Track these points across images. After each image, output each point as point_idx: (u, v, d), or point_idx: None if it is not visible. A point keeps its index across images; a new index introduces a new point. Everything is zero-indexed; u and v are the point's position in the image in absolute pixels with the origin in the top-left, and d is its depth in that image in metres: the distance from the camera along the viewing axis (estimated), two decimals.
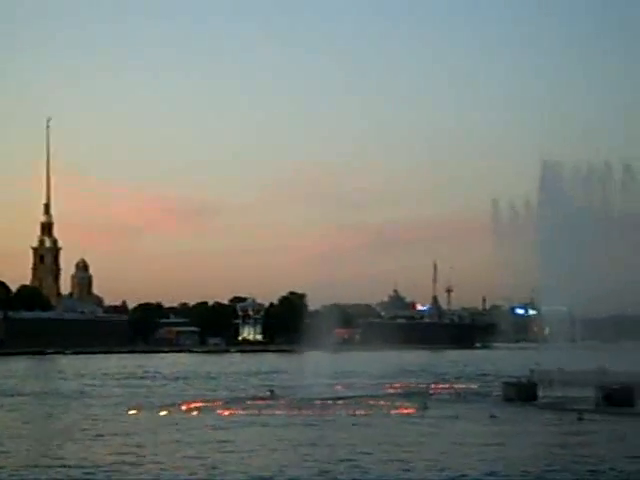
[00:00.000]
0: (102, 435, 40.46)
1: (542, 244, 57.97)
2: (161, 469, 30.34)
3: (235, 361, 66.88)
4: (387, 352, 62.96)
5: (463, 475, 28.65)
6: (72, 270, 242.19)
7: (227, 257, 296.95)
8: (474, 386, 61.63)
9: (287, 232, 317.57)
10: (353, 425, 43.42)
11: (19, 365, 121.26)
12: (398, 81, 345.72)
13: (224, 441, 37.42)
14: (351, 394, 55.85)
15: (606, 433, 40.40)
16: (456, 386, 61.66)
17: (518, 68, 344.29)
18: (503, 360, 62.44)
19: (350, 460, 31.80)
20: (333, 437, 39.35)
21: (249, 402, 54.58)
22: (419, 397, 55.22)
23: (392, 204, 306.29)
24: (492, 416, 45.90)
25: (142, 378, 74.18)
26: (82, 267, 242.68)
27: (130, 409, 51.26)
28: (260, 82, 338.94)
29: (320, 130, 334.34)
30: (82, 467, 30.99)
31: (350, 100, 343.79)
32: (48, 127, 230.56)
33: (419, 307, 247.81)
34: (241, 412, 49.70)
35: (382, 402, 52.85)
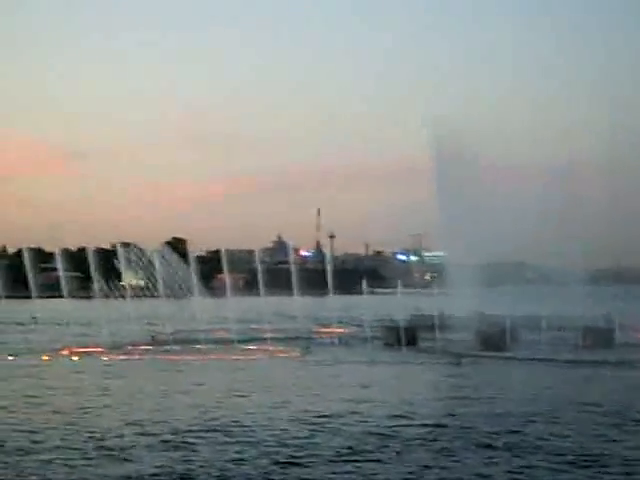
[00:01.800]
0: None
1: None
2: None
3: (118, 307, 65.97)
4: (270, 298, 62.98)
5: (328, 415, 29.03)
6: None
7: (108, 203, 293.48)
8: (356, 331, 62.23)
9: (172, 178, 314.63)
10: (235, 369, 43.68)
11: None
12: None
13: (104, 388, 37.22)
14: (233, 338, 56.02)
15: (479, 376, 41.50)
16: (338, 331, 62.24)
17: None
18: (385, 306, 63.01)
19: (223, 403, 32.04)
20: (213, 381, 39.52)
21: (130, 347, 54.23)
22: (301, 341, 55.70)
23: (276, 151, 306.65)
24: (371, 360, 46.61)
25: (21, 324, 72.91)
26: None
27: (10, 354, 50.48)
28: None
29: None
30: None
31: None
32: None
33: (303, 253, 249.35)
34: (122, 357, 49.54)
35: (264, 347, 53.16)
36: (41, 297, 61.65)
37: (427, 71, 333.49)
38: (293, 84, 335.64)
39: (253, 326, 63.82)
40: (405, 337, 53.66)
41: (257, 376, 41.05)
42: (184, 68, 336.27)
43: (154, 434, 25.90)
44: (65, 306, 63.13)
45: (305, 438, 25.33)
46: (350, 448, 23.84)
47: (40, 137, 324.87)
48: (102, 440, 25.03)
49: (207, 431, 26.42)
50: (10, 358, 49.06)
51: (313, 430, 26.52)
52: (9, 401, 32.95)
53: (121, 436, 25.63)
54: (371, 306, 63.60)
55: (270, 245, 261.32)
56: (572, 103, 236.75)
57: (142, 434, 25.98)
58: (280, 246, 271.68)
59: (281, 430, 26.50)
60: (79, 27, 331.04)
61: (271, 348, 52.48)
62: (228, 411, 30.20)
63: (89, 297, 65.13)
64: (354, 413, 29.60)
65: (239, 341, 55.61)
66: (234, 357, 48.87)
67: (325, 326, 64.35)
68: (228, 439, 25.29)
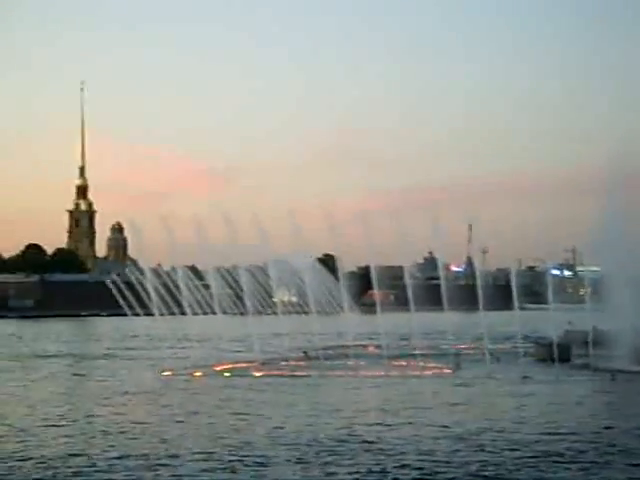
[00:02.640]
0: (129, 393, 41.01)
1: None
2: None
3: (269, 323, 66.79)
4: (420, 313, 62.76)
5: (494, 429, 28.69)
6: (107, 233, 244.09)
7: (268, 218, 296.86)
8: (508, 347, 61.41)
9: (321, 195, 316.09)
10: (385, 385, 43.72)
11: (56, 327, 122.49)
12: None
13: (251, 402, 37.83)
14: (384, 353, 56.11)
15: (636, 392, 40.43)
16: (490, 347, 61.46)
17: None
18: (537, 321, 62.00)
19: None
20: (363, 396, 39.65)
21: (283, 363, 54.87)
22: (452, 357, 55.25)
23: (427, 167, 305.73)
24: (525, 377, 45.92)
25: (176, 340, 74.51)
26: (117, 230, 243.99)
27: (163, 370, 51.66)
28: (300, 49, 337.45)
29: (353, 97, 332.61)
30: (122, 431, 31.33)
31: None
32: (82, 90, 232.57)
33: (454, 268, 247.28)
34: (274, 372, 50.05)
35: (415, 362, 53.01)
36: (195, 314, 62.89)
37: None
38: (433, 100, 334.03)
39: (403, 342, 63.69)
40: (558, 353, 52.65)
41: (407, 392, 40.97)
42: (335, 85, 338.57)
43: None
44: (218, 322, 64.21)
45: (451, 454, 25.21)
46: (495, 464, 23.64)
47: (198, 155, 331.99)
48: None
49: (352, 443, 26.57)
50: (164, 374, 50.30)
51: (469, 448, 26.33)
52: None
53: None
54: (523, 322, 62.56)
55: (421, 261, 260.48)
56: None
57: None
58: (431, 262, 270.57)
59: (425, 445, 26.43)
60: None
61: (422, 364, 52.24)
62: (374, 427, 30.28)
63: (241, 314, 66.01)
64: (501, 431, 29.31)
65: (389, 357, 55.63)
66: (384, 373, 48.90)
67: (476, 342, 63.62)
68: (373, 455, 25.35)
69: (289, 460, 24.78)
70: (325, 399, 39.07)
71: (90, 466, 24.54)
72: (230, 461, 24.82)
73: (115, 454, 26.05)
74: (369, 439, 27.94)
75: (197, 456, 25.64)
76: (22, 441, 28.59)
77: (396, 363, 53.70)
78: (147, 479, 23.14)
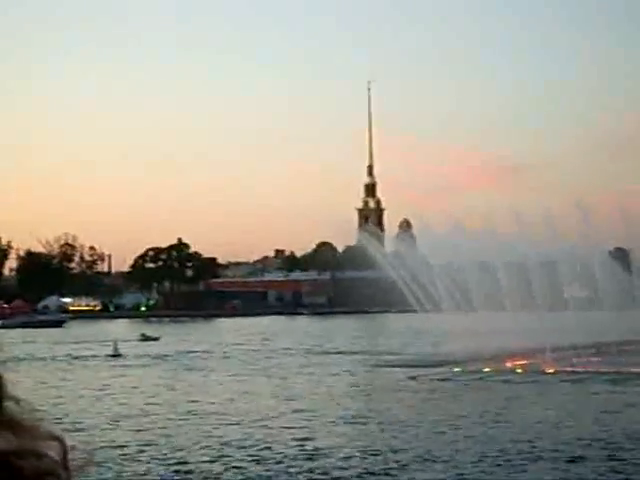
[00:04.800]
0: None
1: None
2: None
3: (559, 319, 65.86)
4: None
5: None
6: (396, 230, 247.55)
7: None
8: None
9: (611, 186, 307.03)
10: None
11: (346, 324, 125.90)
12: None
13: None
14: None
15: None
16: None
17: None
18: None
19: None
20: None
21: (575, 360, 54.14)
22: None
23: None
24: None
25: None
26: (406, 226, 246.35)
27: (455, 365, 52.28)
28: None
29: None
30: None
31: None
32: (369, 90, 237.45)
33: None
34: (567, 369, 49.49)
35: None
36: (485, 310, 63.02)
37: None
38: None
39: None
40: None
41: None
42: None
43: None
44: (506, 318, 63.97)
45: None
46: None
47: (485, 150, 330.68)
48: None
49: None
50: (456, 370, 50.92)
51: None
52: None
53: None
54: None
55: None
56: None
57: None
58: None
59: None
60: None
61: None
62: None
63: (531, 309, 65.42)
64: None
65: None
66: None
67: None
68: None
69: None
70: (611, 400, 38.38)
71: None
72: None
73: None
74: None
75: None
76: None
77: None
78: None
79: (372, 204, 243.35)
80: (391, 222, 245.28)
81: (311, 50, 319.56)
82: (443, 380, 46.41)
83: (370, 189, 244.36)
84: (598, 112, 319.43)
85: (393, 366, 55.20)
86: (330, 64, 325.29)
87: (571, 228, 68.04)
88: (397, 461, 24.99)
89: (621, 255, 69.51)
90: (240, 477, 23.56)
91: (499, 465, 24.14)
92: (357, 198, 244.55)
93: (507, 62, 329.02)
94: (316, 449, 27.08)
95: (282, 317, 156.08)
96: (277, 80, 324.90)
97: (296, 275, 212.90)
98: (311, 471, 24.19)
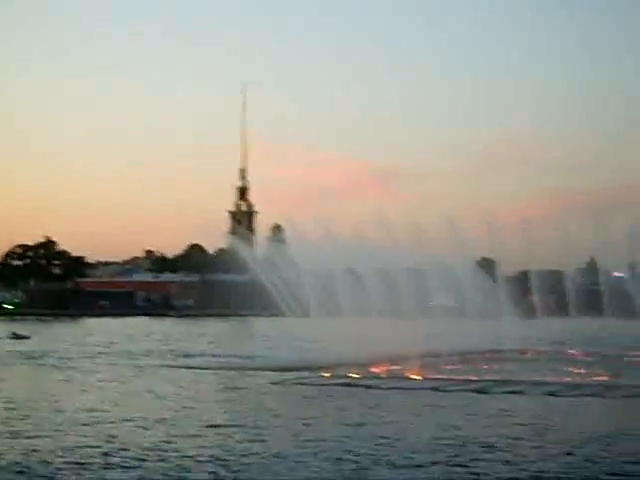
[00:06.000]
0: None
1: None
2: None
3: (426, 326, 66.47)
4: (581, 319, 61.72)
5: None
6: (267, 234, 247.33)
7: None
8: None
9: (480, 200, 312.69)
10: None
11: (213, 327, 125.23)
12: None
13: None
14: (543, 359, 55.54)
15: None
16: None
17: None
18: None
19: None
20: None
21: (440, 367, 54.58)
22: (611, 365, 53.86)
23: (589, 172, 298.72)
24: None
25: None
26: (276, 231, 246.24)
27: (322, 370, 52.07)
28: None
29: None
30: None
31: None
32: (244, 93, 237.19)
33: (616, 274, 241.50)
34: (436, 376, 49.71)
35: (570, 369, 52.11)
36: (352, 316, 63.15)
37: None
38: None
39: (562, 347, 62.66)
40: None
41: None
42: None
43: None
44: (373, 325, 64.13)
45: None
46: None
47: (358, 157, 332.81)
48: None
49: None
50: (322, 375, 50.64)
51: None
52: None
53: None
54: None
55: (581, 266, 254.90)
56: None
57: None
58: (592, 267, 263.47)
59: None
60: None
61: (578, 370, 51.32)
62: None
63: (398, 317, 65.78)
64: None
65: (546, 362, 54.71)
66: (535, 379, 47.92)
67: (637, 350, 61.83)
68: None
69: None
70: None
71: None
72: None
73: None
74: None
75: None
76: None
77: (552, 368, 52.60)
78: None
79: (244, 207, 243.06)
80: (263, 226, 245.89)
81: (186, 50, 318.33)
82: (308, 385, 46.08)
83: (242, 192, 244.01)
84: (472, 125, 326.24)
85: (258, 370, 54.73)
86: (205, 65, 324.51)
87: (440, 237, 68.71)
88: (247, 464, 24.69)
89: (487, 265, 70.51)
90: None
91: (351, 469, 24.02)
92: (230, 201, 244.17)
93: (388, 70, 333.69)
94: (175, 451, 26.62)
95: (149, 318, 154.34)
96: (155, 78, 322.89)
97: (165, 276, 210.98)
98: (166, 474, 23.62)
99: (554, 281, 71.03)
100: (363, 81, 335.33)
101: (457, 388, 44.55)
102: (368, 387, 44.77)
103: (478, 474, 23.82)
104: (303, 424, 32.24)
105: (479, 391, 43.28)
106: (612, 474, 23.90)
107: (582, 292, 68.66)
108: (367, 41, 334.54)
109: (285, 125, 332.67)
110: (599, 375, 49.55)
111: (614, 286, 71.21)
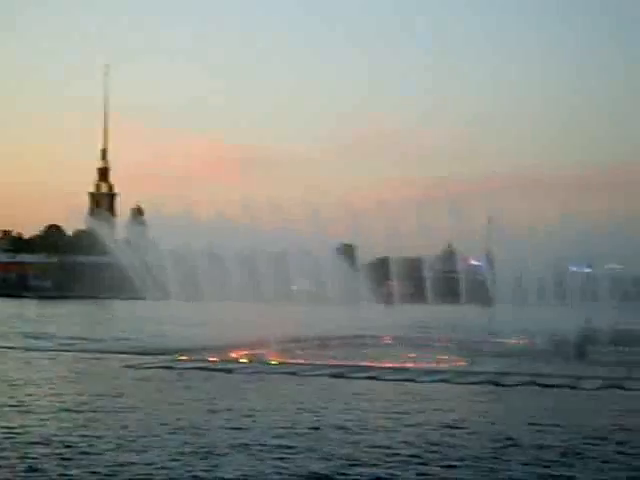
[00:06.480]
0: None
1: None
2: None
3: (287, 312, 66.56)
4: (438, 306, 62.73)
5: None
6: (128, 215, 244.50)
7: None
8: (523, 342, 60.96)
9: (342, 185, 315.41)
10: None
11: (71, 309, 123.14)
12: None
13: None
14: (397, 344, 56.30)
15: None
16: (505, 341, 61.11)
17: None
18: (559, 317, 61.61)
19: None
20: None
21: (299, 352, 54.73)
22: (467, 351, 54.84)
23: (448, 160, 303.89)
24: (538, 374, 45.30)
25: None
26: (137, 213, 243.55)
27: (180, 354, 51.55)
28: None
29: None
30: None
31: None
32: (106, 74, 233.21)
33: (473, 262, 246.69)
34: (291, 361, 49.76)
35: (427, 355, 52.90)
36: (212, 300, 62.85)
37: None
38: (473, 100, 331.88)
39: (417, 334, 63.55)
40: (574, 349, 52.99)
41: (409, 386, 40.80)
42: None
43: None
44: (233, 309, 63.93)
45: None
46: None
47: (215, 141, 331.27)
48: None
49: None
50: (179, 358, 50.20)
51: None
52: None
53: None
54: (544, 318, 62.07)
55: (440, 253, 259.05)
56: None
57: None
58: (450, 254, 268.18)
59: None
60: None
61: (436, 356, 52.15)
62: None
63: (259, 301, 65.76)
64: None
65: (404, 348, 55.45)
66: (393, 364, 48.47)
67: (494, 337, 63.20)
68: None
69: None
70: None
71: None
72: None
73: None
74: None
75: None
76: None
77: (408, 355, 53.24)
78: None
79: (104, 189, 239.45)
80: (124, 208, 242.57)
81: (53, 28, 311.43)
82: (163, 368, 45.47)
83: (103, 173, 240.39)
84: (335, 111, 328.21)
85: (112, 353, 53.82)
86: (70, 45, 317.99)
87: (302, 222, 68.82)
88: (90, 448, 24.18)
89: (348, 251, 71.01)
90: None
91: (199, 455, 23.66)
92: (90, 182, 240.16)
93: (261, 54, 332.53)
94: (24, 434, 25.87)
95: (3, 300, 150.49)
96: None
97: (22, 257, 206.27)
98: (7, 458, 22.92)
99: (413, 268, 72.10)
100: (238, 65, 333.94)
101: (315, 373, 44.61)
102: (226, 371, 44.43)
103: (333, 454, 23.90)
104: (149, 408, 31.73)
105: (337, 376, 43.41)
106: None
107: (440, 279, 69.93)
108: (244, 24, 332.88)
109: (150, 108, 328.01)
110: (455, 361, 50.39)
111: (471, 274, 72.63)
